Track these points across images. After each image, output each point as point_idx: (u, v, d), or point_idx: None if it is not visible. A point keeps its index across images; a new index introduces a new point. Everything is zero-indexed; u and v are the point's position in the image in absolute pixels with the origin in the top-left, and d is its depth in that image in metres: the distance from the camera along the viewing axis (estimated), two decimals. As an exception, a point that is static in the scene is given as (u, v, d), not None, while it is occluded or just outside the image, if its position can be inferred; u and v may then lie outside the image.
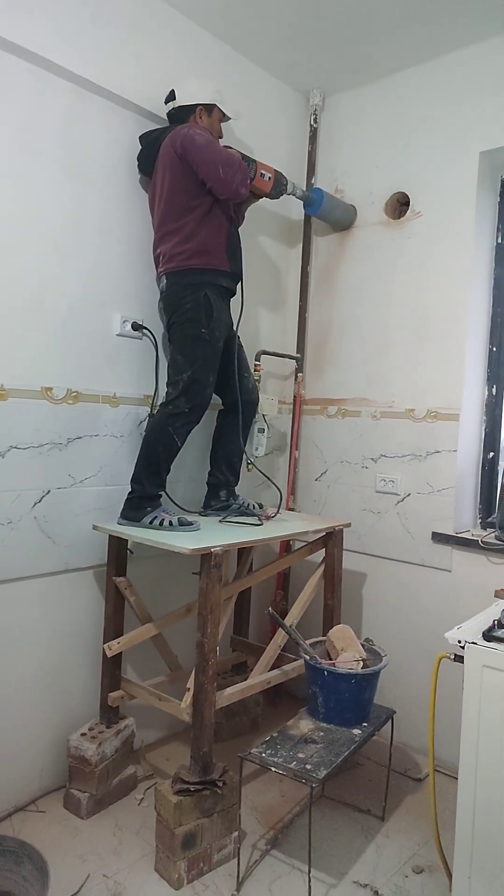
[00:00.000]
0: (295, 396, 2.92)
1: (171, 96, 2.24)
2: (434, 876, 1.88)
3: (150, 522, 2.11)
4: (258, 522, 2.28)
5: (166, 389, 2.22)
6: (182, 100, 2.22)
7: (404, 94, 2.61)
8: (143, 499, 2.16)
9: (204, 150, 2.08)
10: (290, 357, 2.90)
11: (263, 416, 2.70)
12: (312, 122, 2.89)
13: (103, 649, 2.17)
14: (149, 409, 2.36)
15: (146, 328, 2.32)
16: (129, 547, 2.22)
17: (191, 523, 2.10)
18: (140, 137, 2.24)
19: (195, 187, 2.13)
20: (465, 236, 2.43)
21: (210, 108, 2.25)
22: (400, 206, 2.68)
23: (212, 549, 1.87)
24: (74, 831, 2.01)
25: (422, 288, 2.55)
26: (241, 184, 2.12)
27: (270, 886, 1.82)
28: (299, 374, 2.92)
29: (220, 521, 2.29)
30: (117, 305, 2.25)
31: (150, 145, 2.21)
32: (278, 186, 2.34)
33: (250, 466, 2.69)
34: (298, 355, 2.92)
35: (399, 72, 2.61)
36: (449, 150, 2.47)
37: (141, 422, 2.34)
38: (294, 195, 2.50)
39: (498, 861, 1.57)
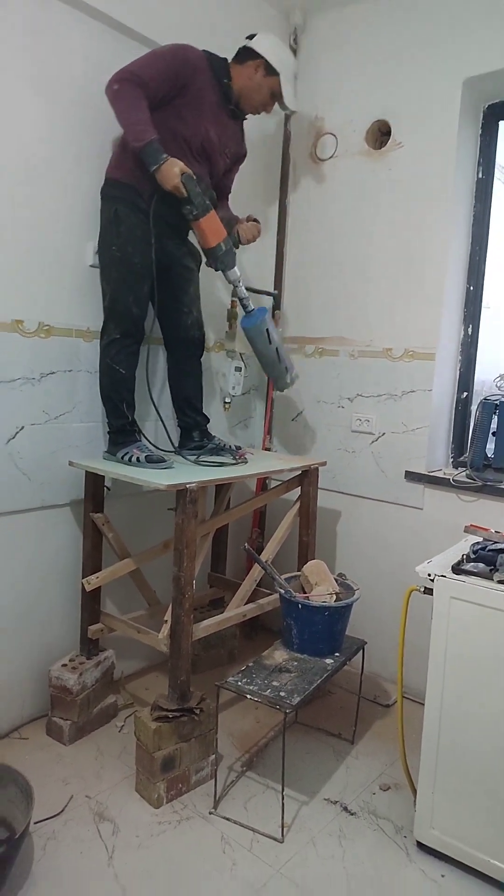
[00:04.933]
0: (272, 335, 2.88)
1: (251, 37, 2.16)
2: (400, 793, 1.99)
3: (122, 458, 2.11)
4: (233, 461, 2.28)
5: None
6: (256, 45, 2.13)
7: (388, 15, 2.48)
8: (116, 433, 2.17)
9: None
10: (268, 293, 2.84)
11: (241, 354, 2.67)
12: (292, 43, 2.74)
13: (82, 584, 2.20)
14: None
15: (120, 261, 2.25)
16: (106, 483, 2.22)
17: (161, 460, 2.10)
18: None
19: None
20: (446, 170, 2.37)
21: (271, 72, 2.15)
22: (381, 135, 2.59)
23: (187, 486, 1.88)
24: (57, 756, 2.08)
25: (402, 223, 2.50)
26: (110, 85, 1.93)
27: (246, 804, 1.92)
28: (276, 312, 2.87)
29: (194, 461, 2.29)
30: (90, 235, 2.16)
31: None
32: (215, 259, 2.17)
33: (227, 406, 2.68)
34: (276, 292, 2.86)
35: (384, -11, 2.48)
36: (432, 75, 2.37)
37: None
38: (235, 286, 2.28)
39: (459, 777, 1.67)
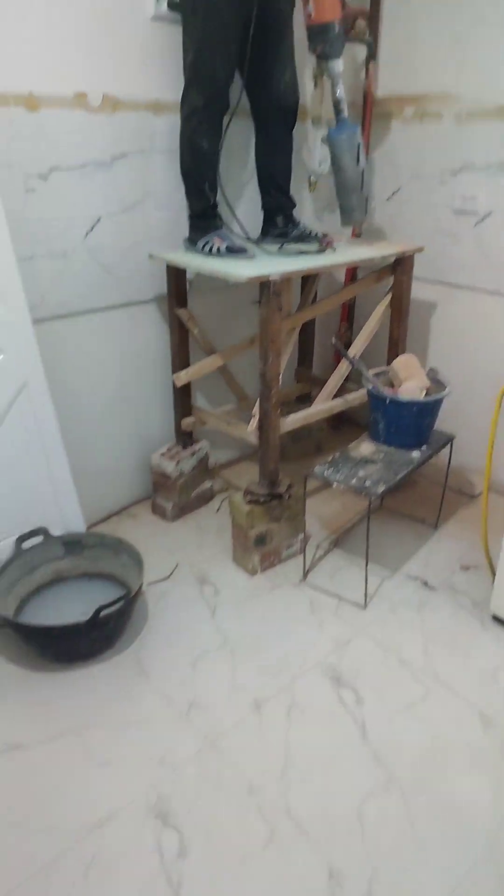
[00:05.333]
0: (365, 95, 2.48)
1: None
2: (478, 573, 2.10)
3: (202, 248, 2.02)
4: (319, 250, 2.12)
5: None
6: None
7: None
8: (197, 218, 2.05)
9: None
10: (360, 41, 2.39)
11: (329, 121, 2.34)
12: None
13: (173, 379, 2.25)
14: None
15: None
16: (188, 277, 2.15)
17: (242, 250, 1.98)
18: None
19: None
20: None
21: None
22: None
23: (270, 278, 1.79)
24: (163, 531, 2.32)
25: None
26: None
27: (332, 576, 2.10)
28: (371, 64, 2.44)
29: (278, 250, 2.15)
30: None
31: None
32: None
33: (312, 186, 2.44)
34: (370, 38, 2.40)
35: None
36: None
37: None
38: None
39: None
